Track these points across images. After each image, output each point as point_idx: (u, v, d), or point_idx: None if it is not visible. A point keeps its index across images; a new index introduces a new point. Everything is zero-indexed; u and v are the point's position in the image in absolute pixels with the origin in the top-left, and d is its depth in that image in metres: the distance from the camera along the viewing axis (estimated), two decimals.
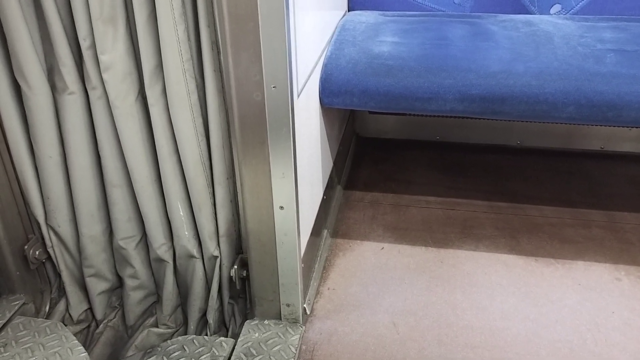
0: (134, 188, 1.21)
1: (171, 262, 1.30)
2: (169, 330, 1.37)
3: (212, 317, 1.32)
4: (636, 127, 1.91)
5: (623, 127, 1.92)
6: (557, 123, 1.91)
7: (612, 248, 1.48)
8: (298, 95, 1.07)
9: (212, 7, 1.01)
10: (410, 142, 2.08)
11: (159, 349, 1.18)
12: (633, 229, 1.55)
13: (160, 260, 1.30)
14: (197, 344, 1.18)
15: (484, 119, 1.96)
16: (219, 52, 1.05)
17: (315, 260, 1.42)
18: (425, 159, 1.96)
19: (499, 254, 1.46)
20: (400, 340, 1.20)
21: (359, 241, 1.53)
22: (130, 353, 1.33)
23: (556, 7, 1.64)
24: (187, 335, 1.22)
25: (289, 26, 0.94)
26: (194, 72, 1.09)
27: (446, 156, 1.98)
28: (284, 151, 1.03)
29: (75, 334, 1.27)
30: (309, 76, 1.19)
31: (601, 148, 1.98)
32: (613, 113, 1.22)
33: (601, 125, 1.92)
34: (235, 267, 1.24)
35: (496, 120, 1.96)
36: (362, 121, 2.09)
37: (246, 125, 1.02)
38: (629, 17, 1.54)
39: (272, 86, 0.97)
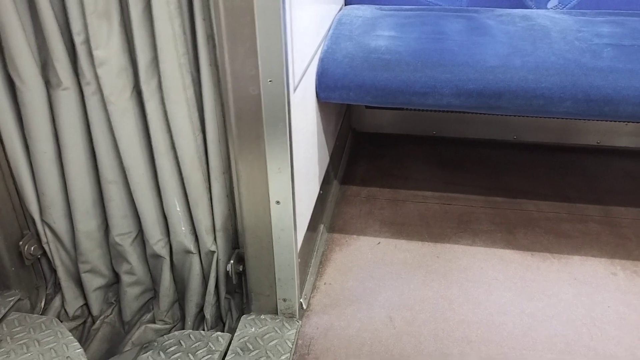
0: (130, 184, 1.20)
1: (168, 258, 1.30)
2: (166, 326, 1.37)
3: (209, 313, 1.32)
4: (633, 122, 1.91)
5: (620, 122, 1.92)
6: (553, 118, 1.91)
7: (608, 243, 1.48)
8: (294, 90, 1.07)
9: (208, 1, 1.00)
10: (406, 136, 2.08)
11: (156, 343, 1.17)
12: (629, 224, 1.56)
13: (157, 256, 1.29)
14: (193, 338, 1.18)
15: (480, 113, 1.96)
16: (214, 46, 1.04)
17: (312, 255, 1.42)
18: (422, 153, 1.96)
19: (495, 248, 1.47)
20: (397, 335, 1.20)
21: (355, 236, 1.53)
22: (127, 349, 1.32)
23: (553, 2, 1.64)
24: (183, 331, 1.22)
25: (285, 20, 0.94)
26: (190, 67, 1.08)
27: (442, 151, 1.97)
28: (280, 146, 1.03)
29: (71, 330, 1.27)
30: (305, 70, 1.19)
31: (598, 143, 1.98)
32: (610, 108, 1.22)
33: (598, 120, 1.92)
34: (232, 262, 1.23)
35: (493, 115, 1.96)
36: (359, 116, 2.09)
37: (242, 120, 1.02)
38: (626, 12, 1.54)
39: (268, 80, 0.97)
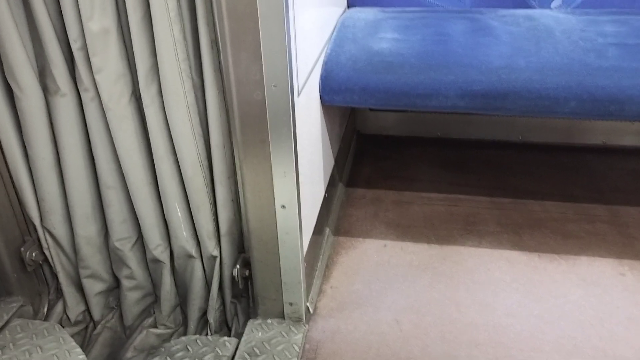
0: (129, 190, 1.20)
1: (168, 263, 1.30)
2: (168, 330, 1.37)
3: (212, 317, 1.31)
4: (639, 121, 1.90)
5: (625, 121, 1.91)
6: (559, 118, 1.90)
7: (616, 243, 1.47)
8: (299, 94, 1.07)
9: (212, 6, 1.00)
10: (411, 138, 2.07)
11: (162, 349, 1.17)
12: (636, 224, 1.55)
13: (157, 261, 1.29)
14: (200, 344, 1.18)
15: (485, 114, 1.95)
16: (218, 52, 1.04)
17: (318, 259, 1.42)
18: (427, 155, 1.95)
19: (502, 250, 1.46)
20: (404, 338, 1.20)
21: (361, 239, 1.53)
22: (129, 354, 1.32)
23: (557, 1, 1.64)
24: (190, 336, 1.22)
25: (289, 24, 0.94)
26: (191, 72, 1.08)
27: (447, 152, 1.97)
28: (285, 150, 1.03)
29: (72, 335, 1.26)
30: (309, 74, 1.19)
31: (603, 142, 1.97)
32: (615, 107, 1.21)
33: (603, 120, 1.91)
34: (238, 266, 1.23)
35: (498, 115, 1.96)
36: (363, 118, 2.09)
37: (247, 125, 1.02)
38: (630, 11, 1.53)
39: (272, 85, 0.96)
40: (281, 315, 1.23)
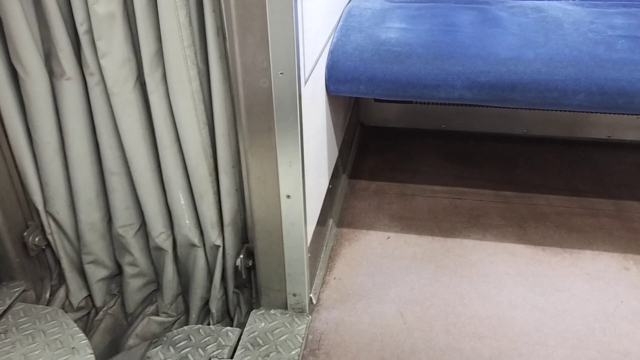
0: (133, 176, 1.19)
1: (170, 251, 1.29)
2: (170, 318, 1.36)
3: (214, 307, 1.31)
4: None
5: (632, 114, 1.90)
6: (566, 111, 1.88)
7: (621, 237, 1.47)
8: (305, 83, 1.06)
9: None
10: (415, 131, 2.06)
11: (165, 338, 1.17)
12: None
13: (160, 249, 1.29)
14: (203, 333, 1.18)
15: (490, 106, 1.94)
16: (224, 39, 1.03)
17: (321, 250, 1.41)
18: (431, 147, 1.94)
19: (506, 243, 1.45)
20: (408, 330, 1.19)
21: (364, 230, 1.52)
22: (130, 341, 1.32)
23: None
24: (193, 325, 1.21)
25: (297, 11, 0.92)
26: (196, 59, 1.07)
27: (451, 145, 1.96)
28: (291, 139, 1.01)
29: (75, 321, 1.26)
30: (316, 63, 1.17)
31: (608, 136, 1.96)
32: (624, 100, 1.20)
33: (610, 113, 1.90)
34: (241, 256, 1.22)
35: (502, 108, 1.94)
36: (367, 110, 2.07)
37: (253, 113, 1.00)
38: (639, 3, 1.51)
39: (279, 73, 0.95)
40: (284, 306, 1.23)
